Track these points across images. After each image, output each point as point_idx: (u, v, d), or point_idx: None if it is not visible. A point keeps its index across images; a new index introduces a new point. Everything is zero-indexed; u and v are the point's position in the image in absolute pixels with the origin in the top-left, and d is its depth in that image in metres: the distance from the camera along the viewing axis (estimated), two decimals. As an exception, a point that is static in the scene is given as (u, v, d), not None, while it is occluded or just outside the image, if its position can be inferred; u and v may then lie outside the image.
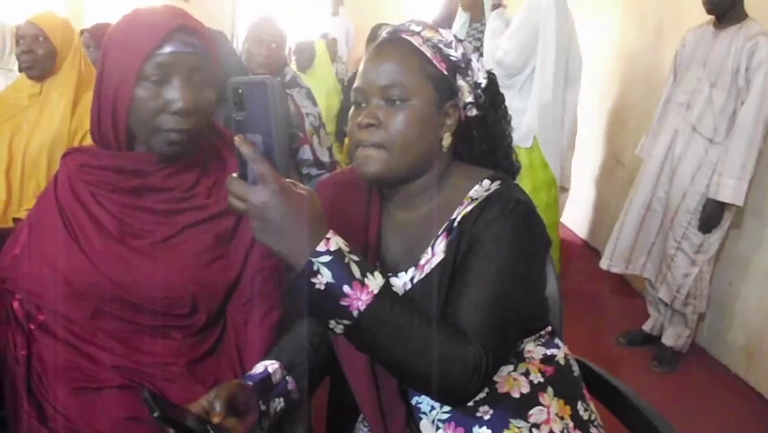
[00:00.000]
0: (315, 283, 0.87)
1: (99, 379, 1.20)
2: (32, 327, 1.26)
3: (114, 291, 1.20)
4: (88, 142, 2.31)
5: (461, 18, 4.12)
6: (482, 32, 3.81)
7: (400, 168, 1.10)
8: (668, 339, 3.26)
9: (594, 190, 5.05)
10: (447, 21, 4.33)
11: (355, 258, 0.89)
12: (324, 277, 0.87)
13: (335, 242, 0.89)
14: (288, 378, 1.17)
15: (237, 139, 0.86)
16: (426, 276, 1.12)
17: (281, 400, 1.14)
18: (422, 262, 1.14)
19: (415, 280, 1.15)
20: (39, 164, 2.27)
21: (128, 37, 1.18)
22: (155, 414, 0.88)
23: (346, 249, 0.89)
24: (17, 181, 2.27)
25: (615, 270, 3.41)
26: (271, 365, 1.16)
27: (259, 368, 1.16)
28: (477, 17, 4.04)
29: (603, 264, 3.44)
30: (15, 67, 3.10)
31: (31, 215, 1.35)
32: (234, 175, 0.88)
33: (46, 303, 1.24)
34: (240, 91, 0.87)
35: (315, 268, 0.86)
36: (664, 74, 3.41)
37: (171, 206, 1.23)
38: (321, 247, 0.87)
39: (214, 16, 5.16)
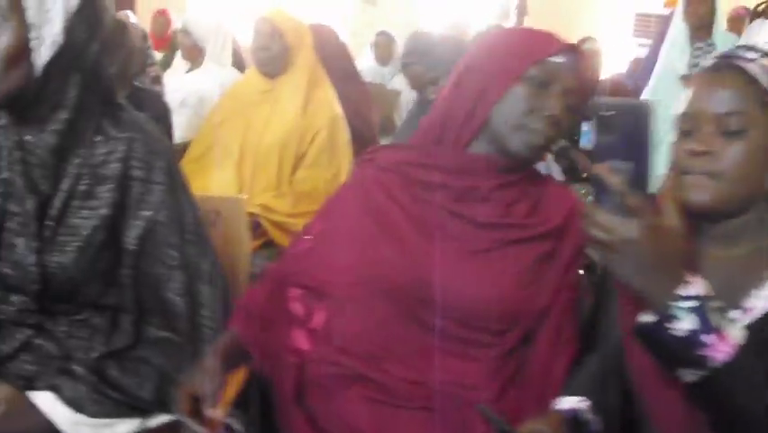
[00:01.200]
0: (671, 328, 0.81)
1: (394, 394, 1.15)
2: (312, 327, 1.24)
3: (427, 293, 1.15)
4: (320, 140, 2.34)
5: (680, 35, 3.62)
6: (709, 52, 3.43)
7: (732, 200, 1.03)
8: None
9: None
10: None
11: (717, 304, 0.84)
12: (684, 323, 0.81)
13: (698, 286, 0.83)
14: (594, 418, 1.08)
15: (601, 167, 0.82)
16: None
17: None
18: (749, 305, 1.02)
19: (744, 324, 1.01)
20: (270, 161, 2.28)
21: (520, 41, 1.25)
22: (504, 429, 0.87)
23: (710, 295, 0.84)
24: (248, 177, 2.30)
25: None
26: (581, 402, 1.08)
27: (565, 403, 1.08)
28: (702, 35, 3.64)
29: None
30: (229, 62, 3.20)
31: (326, 210, 1.34)
32: (591, 200, 0.84)
33: (338, 294, 1.21)
34: (609, 114, 0.84)
35: (674, 313, 0.81)
36: None
37: (493, 218, 1.19)
38: (684, 291, 0.82)
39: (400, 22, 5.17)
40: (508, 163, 1.20)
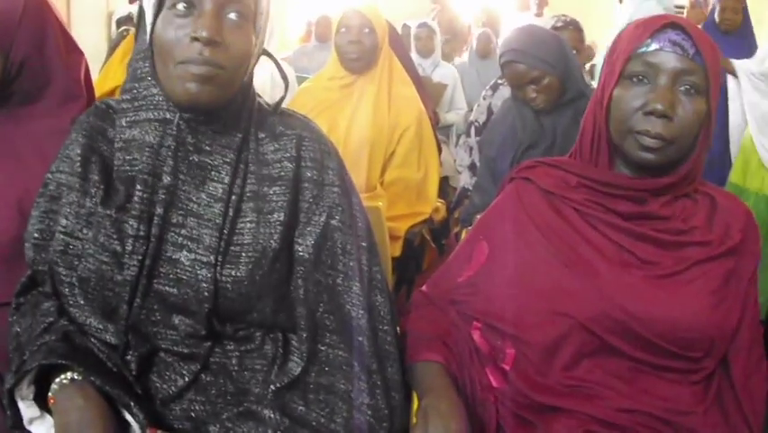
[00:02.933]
0: None
1: (607, 423, 1.08)
2: (506, 366, 1.16)
3: (626, 324, 1.08)
4: (408, 138, 2.25)
5: None
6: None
7: None
8: None
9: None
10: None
11: None
12: None
13: None
14: None
15: None
16: None
17: None
18: None
19: None
20: (359, 161, 2.19)
21: (618, 38, 1.16)
22: None
23: None
24: (338, 178, 2.20)
25: None
26: None
27: None
28: None
29: None
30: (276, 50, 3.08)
31: (484, 234, 1.26)
32: None
33: (528, 332, 1.13)
34: None
35: None
36: None
37: (674, 237, 1.12)
38: None
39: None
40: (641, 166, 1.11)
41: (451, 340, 1.20)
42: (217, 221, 1.03)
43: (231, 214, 1.04)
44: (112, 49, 4.53)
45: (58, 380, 0.97)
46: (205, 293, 1.01)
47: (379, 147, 2.20)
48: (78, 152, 1.07)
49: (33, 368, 0.97)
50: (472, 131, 2.94)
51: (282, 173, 1.08)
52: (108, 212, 1.02)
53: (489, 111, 2.90)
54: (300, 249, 1.08)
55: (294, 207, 1.08)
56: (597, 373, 1.10)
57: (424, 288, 1.34)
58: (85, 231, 1.03)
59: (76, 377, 0.97)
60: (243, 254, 1.03)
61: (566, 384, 1.11)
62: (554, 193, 1.18)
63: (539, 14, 6.26)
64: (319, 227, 1.09)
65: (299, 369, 1.07)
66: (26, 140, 1.28)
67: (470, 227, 2.08)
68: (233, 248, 1.03)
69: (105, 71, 3.16)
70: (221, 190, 1.04)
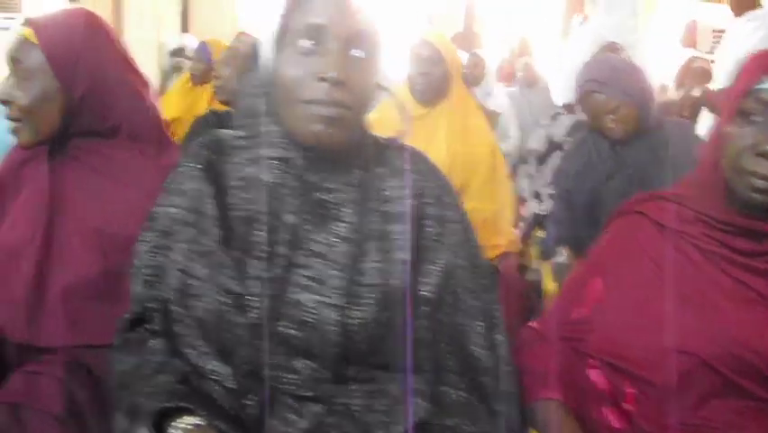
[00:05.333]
0: None
1: None
2: (628, 406, 1.11)
3: (751, 362, 1.04)
4: (483, 171, 2.22)
5: None
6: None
7: None
8: None
9: None
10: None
11: None
12: None
13: None
14: None
15: None
16: None
17: None
18: None
19: None
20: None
21: (739, 70, 1.10)
22: None
23: None
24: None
25: None
26: None
27: None
28: None
29: None
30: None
31: (598, 269, 1.22)
32: None
33: (646, 373, 1.09)
34: None
35: None
36: None
37: None
38: None
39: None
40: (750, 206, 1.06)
41: (567, 378, 1.16)
42: (342, 261, 1.00)
43: (356, 253, 1.01)
44: (164, 79, 4.63)
45: (181, 424, 0.94)
46: (332, 336, 0.98)
47: (455, 180, 2.15)
48: (193, 186, 1.04)
49: (154, 411, 0.94)
50: (533, 160, 2.91)
51: (404, 210, 1.04)
52: (228, 251, 0.99)
53: (549, 140, 2.87)
54: (423, 289, 1.05)
55: (416, 245, 1.04)
56: (722, 413, 1.05)
57: (533, 324, 1.30)
58: (202, 270, 1.00)
59: (199, 422, 0.94)
60: (369, 295, 1.00)
61: (691, 424, 1.06)
62: (670, 227, 1.14)
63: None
64: (442, 266, 1.05)
65: (424, 411, 1.03)
66: (101, 173, 1.29)
67: (554, 259, 2.05)
68: (358, 289, 1.00)
69: (164, 102, 3.19)
70: (345, 229, 1.01)
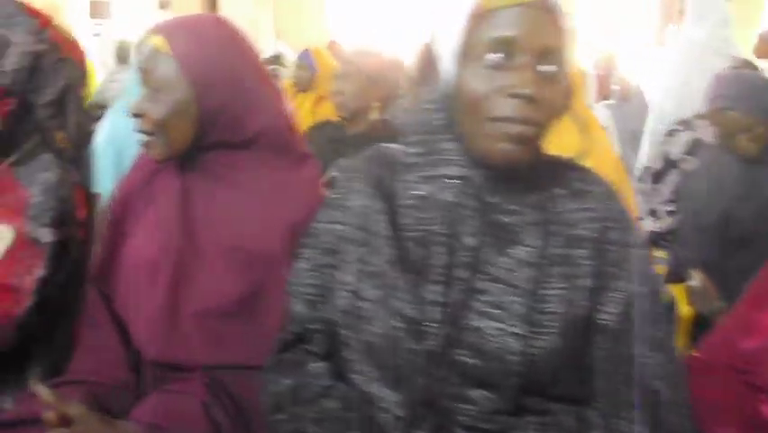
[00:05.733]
0: None
1: None
2: None
3: None
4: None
5: None
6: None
7: None
8: None
9: None
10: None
11: None
12: None
13: None
14: None
15: None
16: None
17: None
18: None
19: None
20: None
21: None
22: None
23: None
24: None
25: None
26: None
27: None
28: None
29: None
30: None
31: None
32: None
33: None
34: None
35: None
36: None
37: None
38: None
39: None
40: None
41: (736, 411, 1.12)
42: (524, 287, 0.96)
43: (538, 279, 0.97)
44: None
45: None
46: (513, 366, 0.94)
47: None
48: (361, 203, 1.02)
49: None
50: (647, 177, 2.81)
51: (587, 234, 1.00)
52: (402, 274, 0.97)
53: (665, 158, 2.77)
54: (604, 317, 1.00)
55: (597, 271, 1.00)
56: None
57: (698, 353, 1.25)
58: (374, 292, 0.97)
59: None
60: (553, 324, 0.96)
61: None
62: None
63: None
64: (624, 294, 1.01)
65: None
66: (237, 187, 1.23)
67: (687, 283, 1.96)
68: (541, 317, 0.96)
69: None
70: (527, 253, 0.97)
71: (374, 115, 2.24)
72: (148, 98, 1.18)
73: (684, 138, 2.68)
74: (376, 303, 0.96)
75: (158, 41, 1.18)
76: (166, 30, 1.20)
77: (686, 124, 2.77)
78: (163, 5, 7.97)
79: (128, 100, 2.36)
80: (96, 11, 8.65)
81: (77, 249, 1.35)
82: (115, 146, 2.20)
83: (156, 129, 1.18)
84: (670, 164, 2.69)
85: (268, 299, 1.15)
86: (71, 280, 1.34)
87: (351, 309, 0.98)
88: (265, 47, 4.92)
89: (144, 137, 1.20)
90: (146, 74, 1.19)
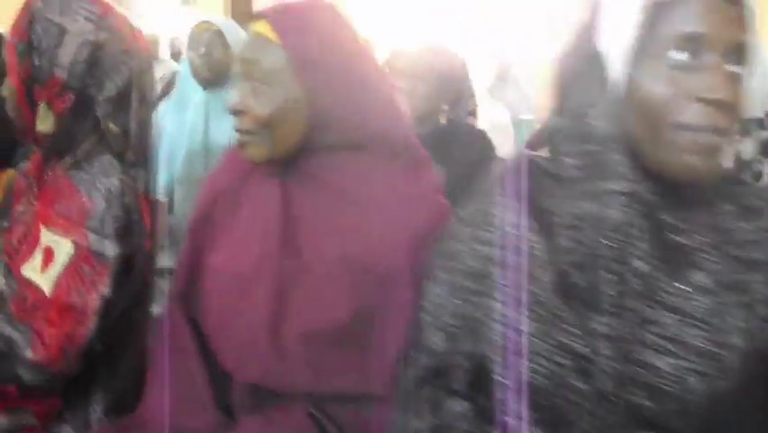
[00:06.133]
0: None
1: None
2: None
3: None
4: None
5: None
6: None
7: None
8: None
9: None
10: None
11: None
12: None
13: None
14: None
15: None
16: None
17: None
18: None
19: None
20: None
21: None
22: None
23: None
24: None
25: None
26: None
27: None
28: None
29: None
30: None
31: None
32: None
33: None
34: None
35: None
36: None
37: None
38: None
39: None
40: None
41: None
42: (704, 318, 0.82)
43: (719, 309, 0.83)
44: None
45: None
46: (694, 407, 0.81)
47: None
48: (511, 220, 0.88)
49: None
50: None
51: (762, 257, 0.86)
52: (565, 302, 0.83)
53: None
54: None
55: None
56: None
57: None
58: (532, 323, 0.84)
59: None
60: (734, 359, 0.82)
61: None
62: None
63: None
64: None
65: None
66: (347, 195, 1.08)
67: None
68: (722, 352, 0.82)
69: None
70: (705, 279, 0.84)
71: (442, 118, 2.08)
72: (252, 93, 1.04)
73: (762, 137, 2.52)
74: (536, 337, 0.83)
75: (264, 28, 1.04)
76: (274, 16, 1.05)
77: (759, 122, 2.61)
78: (186, 1, 7.84)
79: (180, 94, 2.29)
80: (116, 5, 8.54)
81: (145, 263, 1.20)
82: (164, 145, 2.08)
83: (260, 128, 1.03)
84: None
85: (383, 322, 1.01)
86: (137, 298, 1.20)
87: (504, 343, 0.85)
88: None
89: (243, 136, 1.05)
90: (250, 65, 1.04)
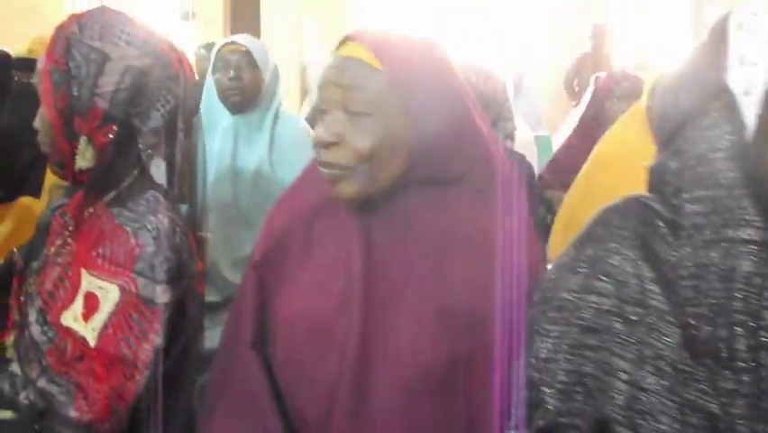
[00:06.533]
0: None
1: None
2: None
3: None
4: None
5: None
6: None
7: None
8: None
9: None
10: None
11: None
12: None
13: None
14: None
15: None
16: None
17: None
18: None
19: None
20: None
21: None
22: None
23: None
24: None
25: None
26: None
27: None
28: None
29: None
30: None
31: None
32: None
33: None
34: None
35: None
36: None
37: None
38: None
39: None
40: None
41: None
42: None
43: None
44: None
45: None
46: None
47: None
48: (624, 269, 0.80)
49: None
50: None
51: None
52: (692, 357, 0.75)
53: None
54: None
55: None
56: None
57: None
58: (657, 380, 0.76)
59: None
60: None
61: None
62: None
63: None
64: None
65: None
66: (437, 232, 0.99)
67: None
68: None
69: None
70: None
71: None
72: (350, 123, 0.94)
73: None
74: (661, 395, 0.76)
75: (361, 52, 0.95)
76: (371, 40, 0.97)
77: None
78: (185, 16, 7.77)
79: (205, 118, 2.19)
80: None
81: (197, 308, 1.10)
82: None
83: (358, 162, 0.94)
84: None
85: (477, 372, 0.93)
86: (189, 347, 1.10)
87: (629, 403, 0.76)
88: (309, 52, 4.71)
89: (335, 171, 0.95)
90: (348, 92, 0.94)
